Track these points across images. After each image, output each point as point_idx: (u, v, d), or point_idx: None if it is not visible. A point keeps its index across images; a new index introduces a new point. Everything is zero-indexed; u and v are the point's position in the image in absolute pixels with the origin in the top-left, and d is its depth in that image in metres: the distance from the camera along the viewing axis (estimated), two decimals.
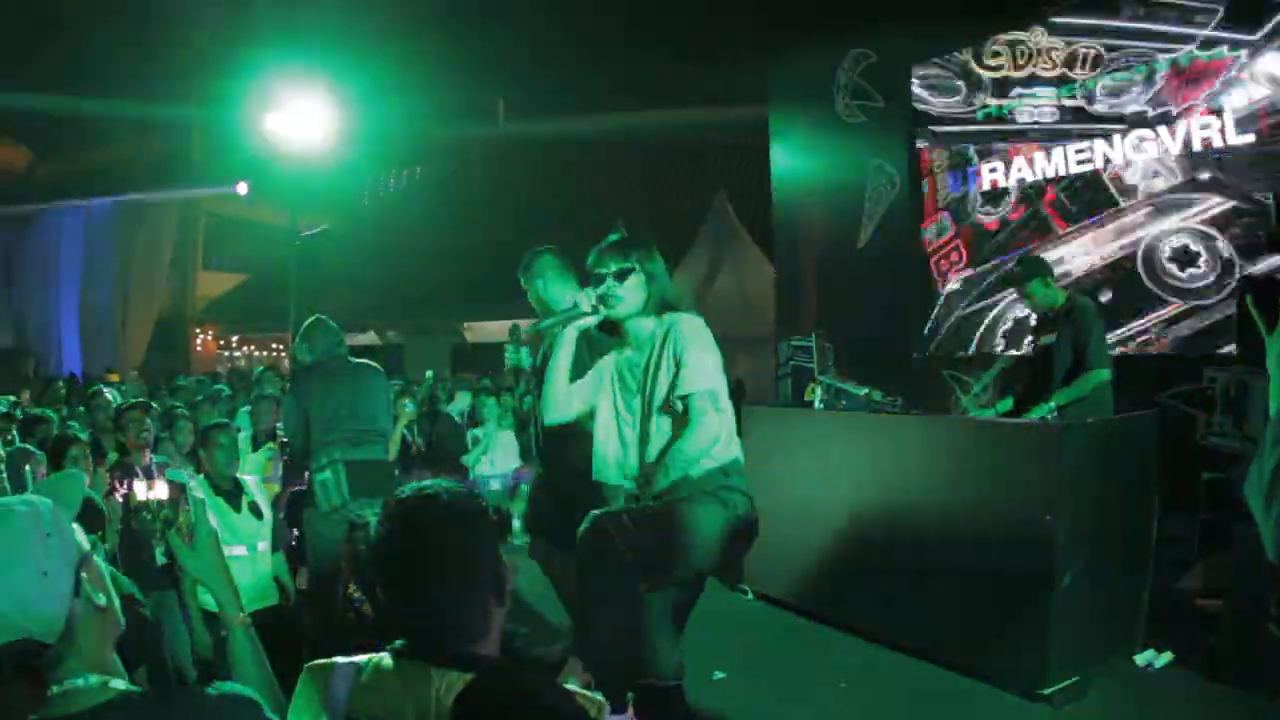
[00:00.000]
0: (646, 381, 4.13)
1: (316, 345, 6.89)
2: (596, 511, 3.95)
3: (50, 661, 1.99)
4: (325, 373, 6.77)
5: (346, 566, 6.93)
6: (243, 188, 23.18)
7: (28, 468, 5.72)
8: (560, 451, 5.27)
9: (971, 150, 10.00)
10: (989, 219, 9.91)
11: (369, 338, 26.93)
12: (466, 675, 2.08)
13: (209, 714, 2.09)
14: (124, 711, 2.03)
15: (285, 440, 7.72)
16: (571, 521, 4.03)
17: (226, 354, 35.29)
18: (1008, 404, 7.66)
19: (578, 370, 4.39)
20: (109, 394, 10.35)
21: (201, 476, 6.37)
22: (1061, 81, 9.12)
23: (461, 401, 11.50)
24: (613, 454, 4.29)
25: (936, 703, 5.88)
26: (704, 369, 3.99)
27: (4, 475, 6.03)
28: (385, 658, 2.17)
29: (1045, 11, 9.19)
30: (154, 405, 8.01)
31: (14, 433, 7.75)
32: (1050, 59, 9.17)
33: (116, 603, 2.15)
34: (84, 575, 2.08)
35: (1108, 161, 8.74)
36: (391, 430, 7.58)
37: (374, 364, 7.14)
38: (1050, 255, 8.79)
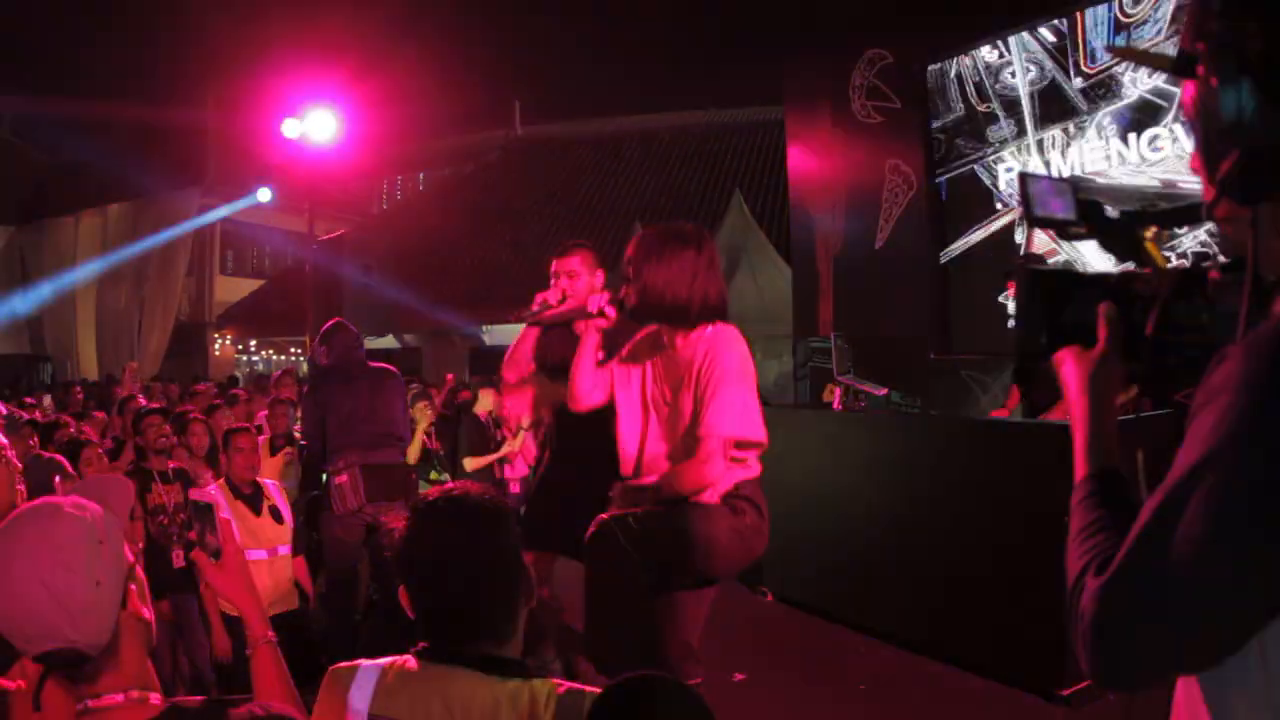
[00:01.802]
0: (677, 395, 4.09)
1: (335, 348, 6.91)
2: (603, 515, 3.95)
3: (89, 674, 1.99)
4: (343, 376, 6.79)
5: (365, 569, 6.95)
6: (265, 194, 23.26)
7: (57, 479, 5.71)
8: (581, 449, 5.27)
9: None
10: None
11: (387, 341, 26.97)
12: (489, 677, 2.10)
13: None
14: None
15: (304, 443, 7.75)
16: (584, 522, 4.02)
17: (244, 358, 35.38)
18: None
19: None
20: (142, 399, 10.38)
21: (222, 480, 6.40)
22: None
23: (484, 402, 11.47)
24: (635, 452, 4.28)
25: (954, 704, 5.87)
26: (727, 412, 3.90)
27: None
28: (409, 660, 2.18)
29: (1065, 7, 9.18)
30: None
31: (37, 439, 7.78)
32: None
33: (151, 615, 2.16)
34: (132, 588, 2.09)
35: (1123, 160, 8.72)
36: (409, 434, 7.59)
37: (391, 368, 7.15)
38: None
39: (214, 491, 6.29)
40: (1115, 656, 1.26)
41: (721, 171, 25.96)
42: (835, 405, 7.97)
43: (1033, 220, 1.79)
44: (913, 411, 7.48)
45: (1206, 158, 1.40)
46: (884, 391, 7.63)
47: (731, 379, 3.94)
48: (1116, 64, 8.84)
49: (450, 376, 14.78)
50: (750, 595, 7.95)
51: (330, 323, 7.14)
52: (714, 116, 28.77)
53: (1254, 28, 1.30)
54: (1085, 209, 1.81)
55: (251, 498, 6.35)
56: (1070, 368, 1.67)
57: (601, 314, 4.22)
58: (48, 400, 15.00)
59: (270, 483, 6.66)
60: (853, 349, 8.42)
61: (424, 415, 9.23)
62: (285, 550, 6.38)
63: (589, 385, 4.39)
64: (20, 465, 4.13)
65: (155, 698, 2.06)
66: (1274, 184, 1.29)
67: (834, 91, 11.66)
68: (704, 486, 3.95)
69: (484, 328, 27.36)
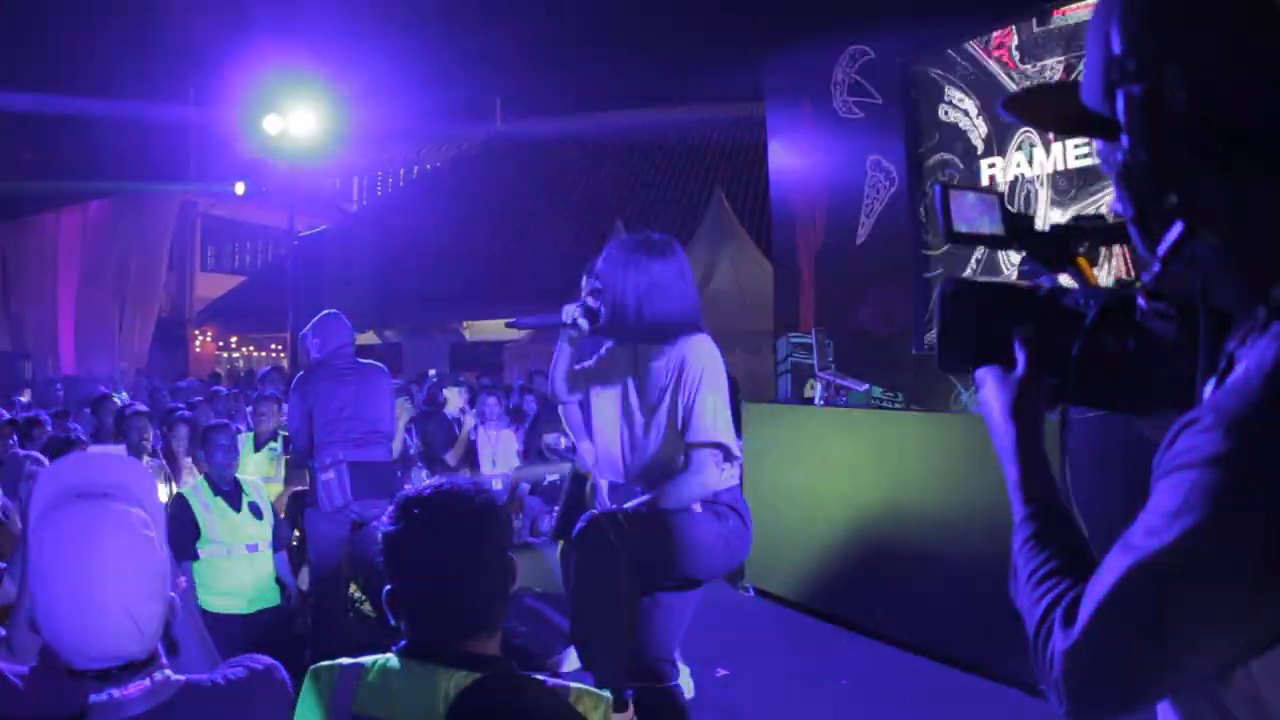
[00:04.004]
0: (655, 403, 4.12)
1: (329, 340, 6.81)
2: (593, 511, 3.99)
3: (123, 674, 2.00)
4: (331, 371, 6.73)
5: (347, 566, 6.93)
6: (240, 187, 23.15)
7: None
8: None
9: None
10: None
11: (367, 337, 26.91)
12: (474, 675, 2.09)
13: (263, 682, 2.18)
14: (197, 698, 2.07)
15: (289, 437, 7.73)
16: None
17: (225, 355, 35.30)
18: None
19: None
20: (118, 399, 10.34)
21: (201, 477, 6.38)
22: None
23: (454, 401, 11.49)
24: (618, 455, 4.31)
25: (938, 698, 5.89)
26: (713, 418, 3.99)
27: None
28: (391, 658, 2.18)
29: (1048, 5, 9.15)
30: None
31: (15, 438, 7.75)
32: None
33: None
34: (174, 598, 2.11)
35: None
36: (395, 431, 7.57)
37: (380, 364, 7.11)
38: None
39: (193, 487, 6.30)
40: (1086, 708, 1.28)
41: (702, 168, 25.96)
42: (817, 401, 7.96)
43: (953, 236, 1.70)
44: (895, 407, 7.47)
45: (1140, 226, 1.33)
46: (865, 387, 7.61)
47: (709, 387, 4.01)
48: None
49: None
50: (733, 591, 7.96)
51: (326, 313, 7.06)
52: (695, 113, 28.79)
53: (1174, 81, 1.22)
54: (1013, 222, 1.74)
55: (231, 494, 6.33)
56: (991, 391, 1.64)
57: (575, 325, 4.26)
58: (27, 396, 14.96)
59: (250, 479, 6.65)
60: (834, 344, 8.40)
61: (403, 411, 9.21)
62: (266, 547, 6.36)
63: (565, 390, 4.54)
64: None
65: (173, 676, 2.07)
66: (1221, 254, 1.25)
67: (815, 87, 11.63)
68: (701, 496, 4.00)
69: (464, 324, 27.38)
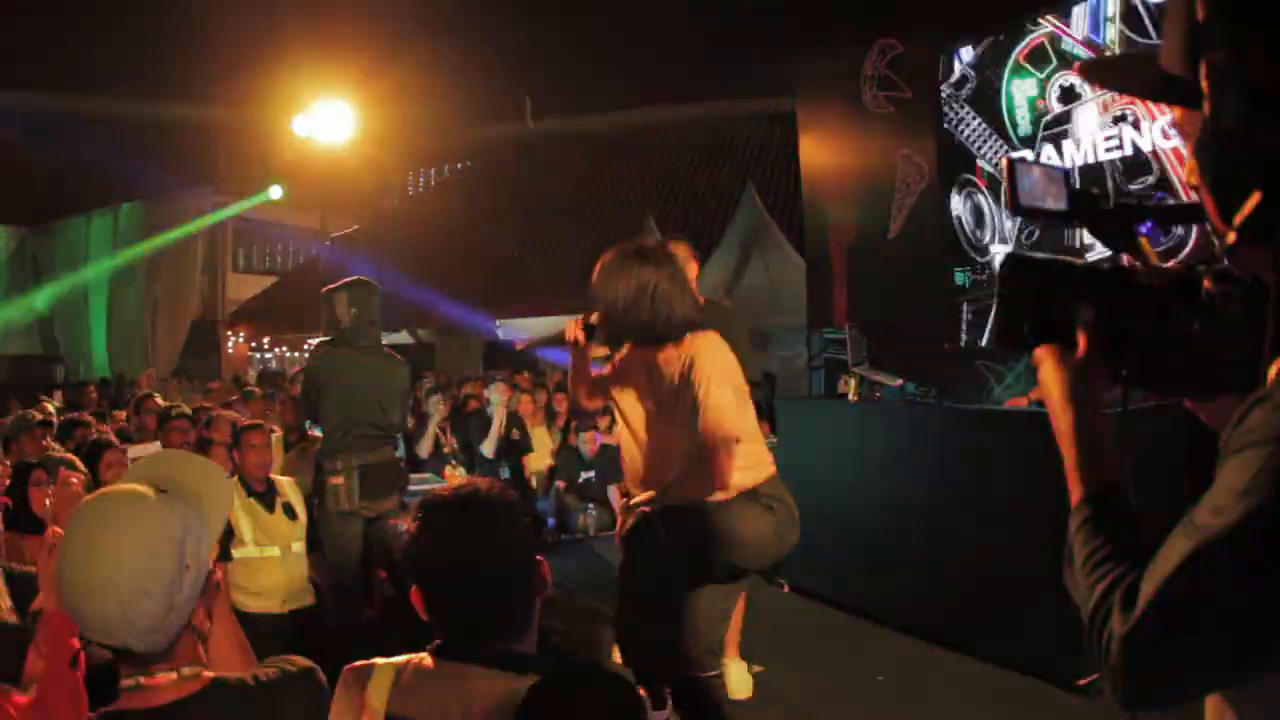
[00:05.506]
0: (670, 403, 4.14)
1: (361, 313, 6.75)
2: (645, 510, 4.02)
3: (139, 662, 2.01)
4: (352, 358, 6.66)
5: (374, 558, 6.90)
6: (276, 191, 23.24)
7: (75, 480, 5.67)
8: None
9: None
10: None
11: (401, 336, 26.97)
12: (508, 674, 2.08)
13: (297, 683, 2.20)
14: (225, 693, 2.08)
15: (310, 423, 7.76)
16: None
17: (258, 355, 35.40)
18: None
19: None
20: (158, 399, 10.39)
21: (236, 478, 6.39)
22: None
23: (498, 398, 11.48)
24: (640, 458, 4.33)
25: (972, 694, 5.86)
26: (726, 413, 4.00)
27: None
28: (425, 658, 2.17)
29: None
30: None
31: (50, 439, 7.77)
32: None
33: None
34: (199, 606, 2.10)
35: (1136, 150, 8.60)
36: (409, 427, 7.54)
37: (399, 356, 7.06)
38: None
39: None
40: (1145, 695, 1.25)
41: (734, 163, 25.89)
42: (850, 396, 7.94)
43: (1018, 210, 1.69)
44: (928, 401, 7.45)
45: (1217, 195, 1.31)
46: (899, 382, 7.59)
47: (716, 380, 4.02)
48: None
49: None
50: (767, 587, 7.94)
51: (355, 278, 7.01)
52: (726, 108, 28.72)
53: (1257, 48, 1.21)
54: (1078, 199, 1.73)
55: (264, 495, 6.34)
56: (1051, 372, 1.59)
57: (576, 342, 4.35)
58: (57, 399, 15.06)
59: (284, 479, 6.65)
60: (867, 339, 8.38)
61: (438, 410, 9.22)
62: (299, 547, 6.37)
63: (585, 399, 4.76)
64: None
65: (204, 672, 2.08)
66: None
67: (845, 82, 11.62)
68: (718, 489, 3.99)
69: (498, 323, 27.41)
